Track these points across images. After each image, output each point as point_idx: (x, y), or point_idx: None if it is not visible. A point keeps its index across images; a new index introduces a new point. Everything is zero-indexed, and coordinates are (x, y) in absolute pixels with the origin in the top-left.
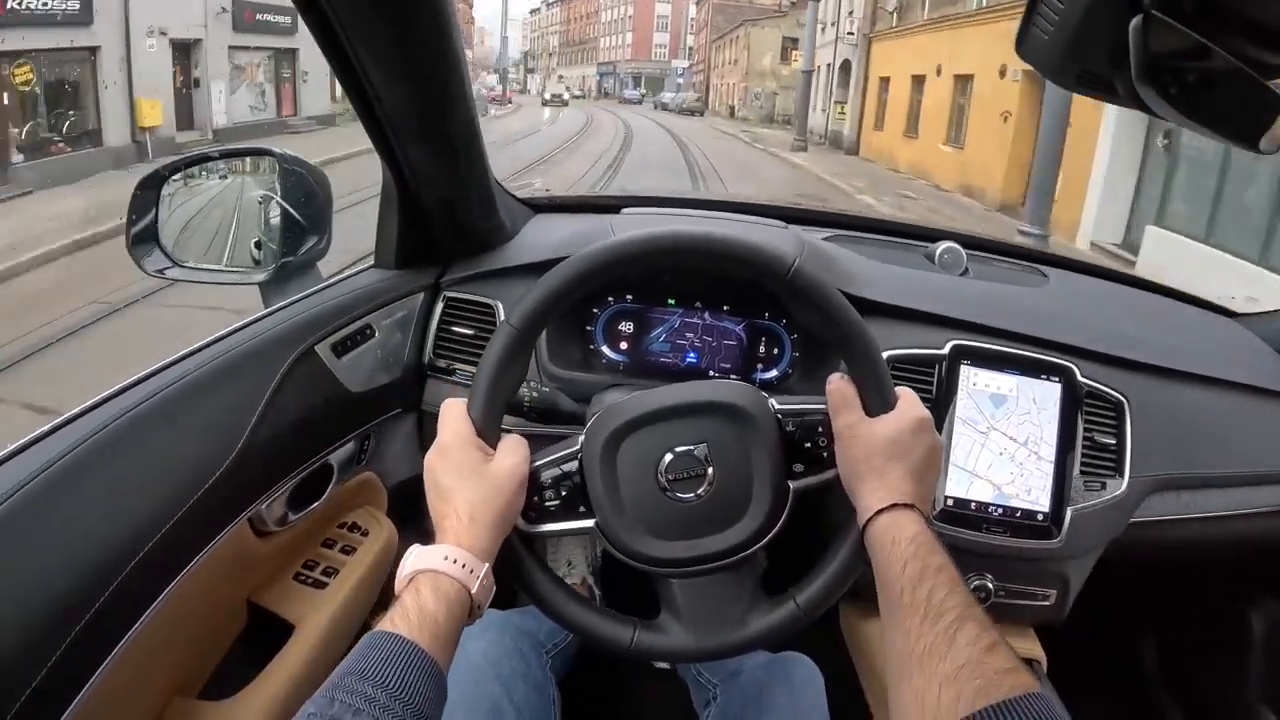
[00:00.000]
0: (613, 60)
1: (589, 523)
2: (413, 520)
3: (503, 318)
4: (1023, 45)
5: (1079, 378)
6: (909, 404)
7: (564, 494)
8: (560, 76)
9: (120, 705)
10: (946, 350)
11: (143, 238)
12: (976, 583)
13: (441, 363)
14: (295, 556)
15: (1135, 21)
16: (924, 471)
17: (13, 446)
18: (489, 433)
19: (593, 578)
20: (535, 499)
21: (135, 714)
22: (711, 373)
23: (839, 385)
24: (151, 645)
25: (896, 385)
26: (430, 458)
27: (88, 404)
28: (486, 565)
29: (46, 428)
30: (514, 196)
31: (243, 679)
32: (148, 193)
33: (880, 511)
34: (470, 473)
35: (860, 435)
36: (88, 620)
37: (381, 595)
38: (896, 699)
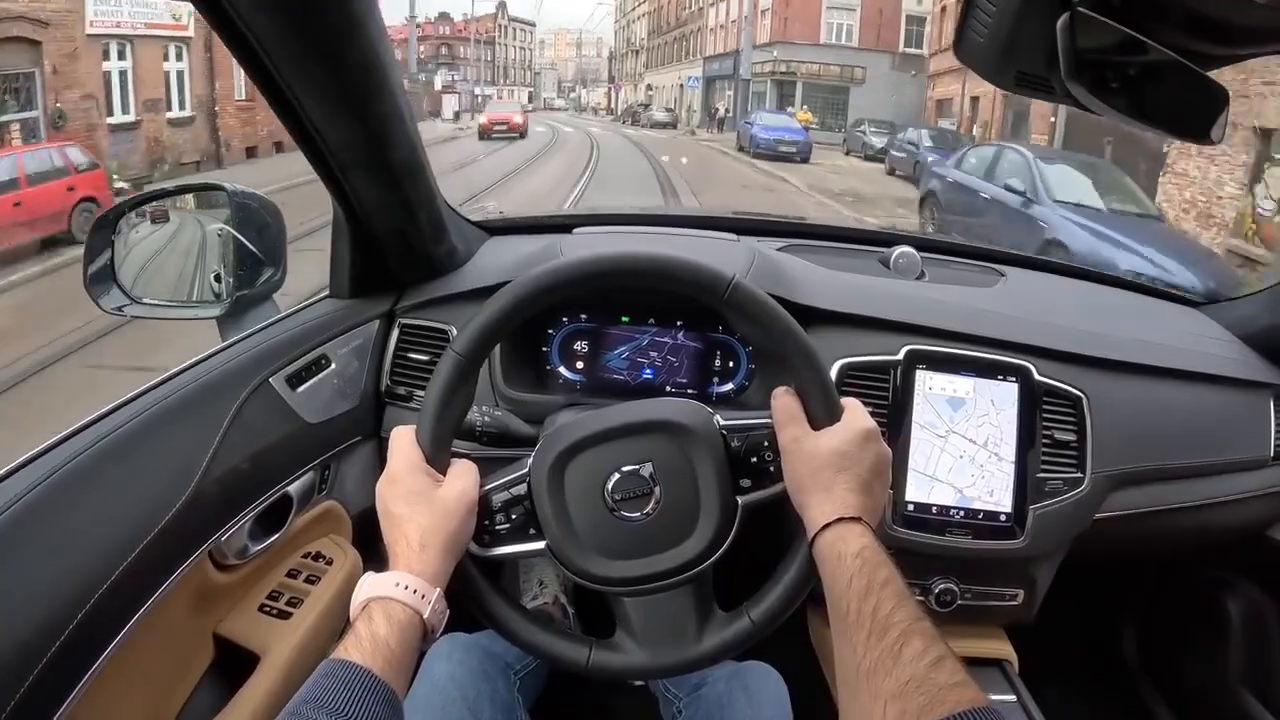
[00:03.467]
0: (725, 52)
1: (540, 544)
2: (378, 547)
3: None
4: (960, 47)
5: (1036, 376)
6: (855, 415)
7: (514, 517)
8: (649, 87)
9: None
10: (901, 356)
11: (100, 278)
12: (942, 586)
13: (401, 390)
14: (260, 587)
15: (1062, 19)
16: (871, 482)
17: None
18: (438, 458)
19: (565, 596)
20: (486, 523)
21: None
22: (668, 388)
23: (783, 400)
24: (117, 682)
25: (844, 396)
26: (381, 485)
27: (45, 445)
28: (438, 590)
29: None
30: (467, 220)
31: (211, 711)
32: (102, 232)
33: (826, 526)
34: (420, 499)
35: (805, 449)
36: (50, 658)
37: (347, 623)
38: (844, 717)
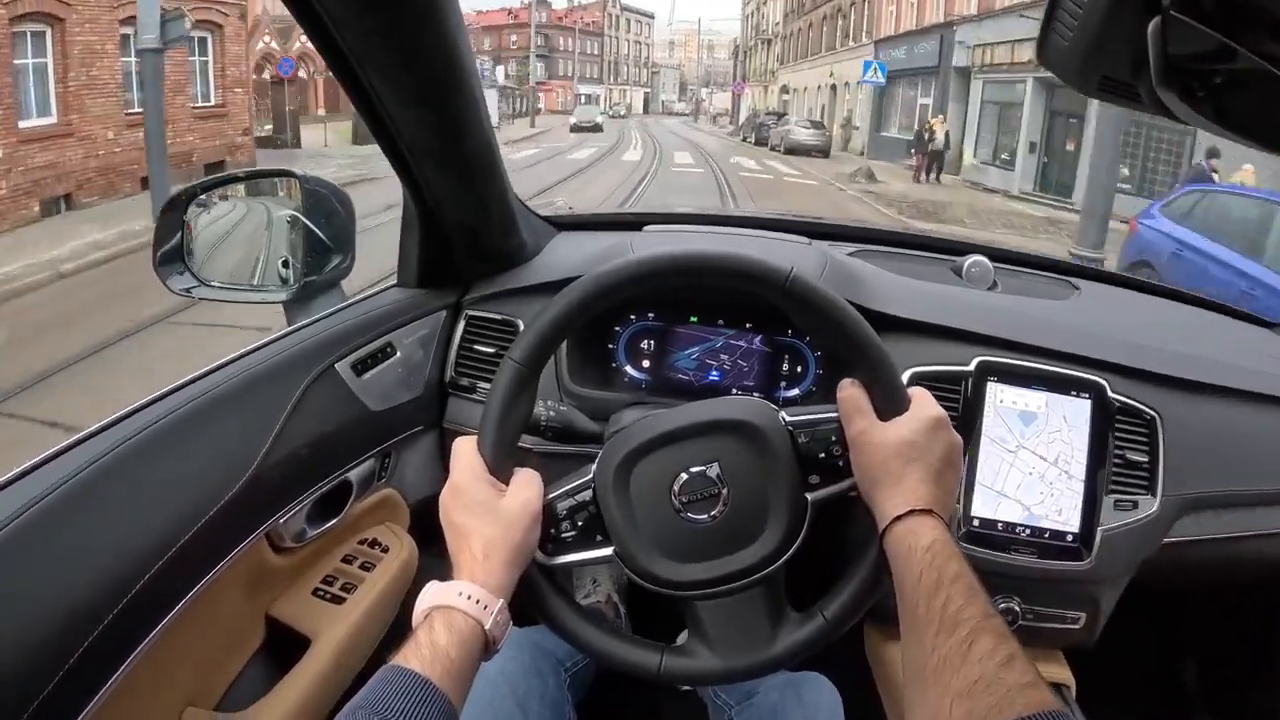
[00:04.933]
0: (923, 28)
1: (607, 551)
2: (434, 537)
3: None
4: (1043, 51)
5: (1110, 394)
6: (923, 404)
7: (580, 524)
8: (784, 89)
9: (133, 713)
10: (973, 367)
11: (169, 259)
12: (1004, 605)
13: (464, 381)
14: (314, 571)
15: (1154, 23)
16: (942, 472)
17: (35, 460)
18: (501, 467)
19: (617, 595)
20: (552, 531)
21: None
22: (734, 391)
23: (849, 391)
24: (167, 656)
25: (910, 388)
26: (444, 496)
27: (111, 418)
28: (501, 601)
29: (69, 441)
30: (536, 214)
31: (259, 691)
32: (173, 215)
33: (897, 518)
34: (483, 510)
35: (874, 440)
36: (102, 629)
37: (400, 611)
38: (910, 715)
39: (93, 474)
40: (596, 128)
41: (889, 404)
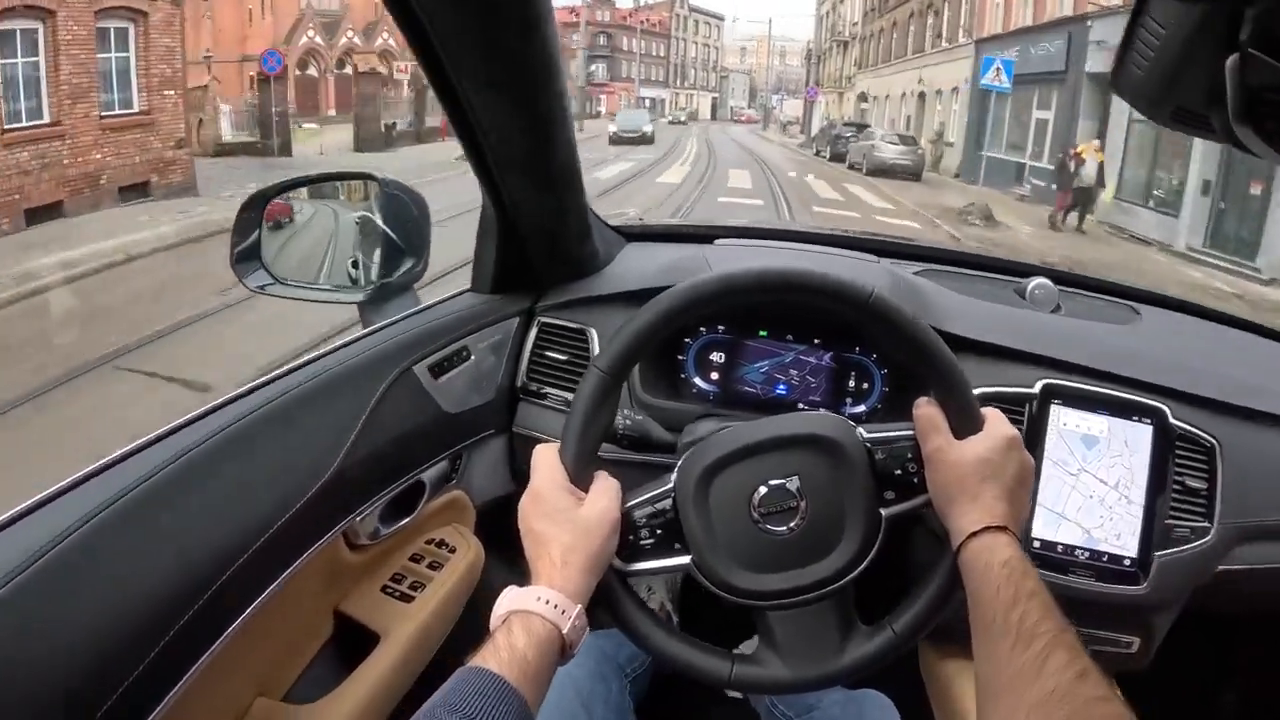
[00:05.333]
0: (1039, 25)
1: (684, 559)
2: (500, 539)
3: (595, 350)
4: (1118, 80)
5: (1171, 420)
6: (997, 423)
7: (659, 532)
8: (862, 96)
9: (207, 703)
10: (1037, 389)
11: (245, 256)
12: None
13: (534, 386)
14: (384, 569)
15: (1232, 60)
16: (1016, 490)
17: (121, 452)
18: (581, 475)
19: (670, 603)
20: (630, 538)
21: (220, 713)
22: (800, 405)
23: (926, 409)
24: (241, 647)
25: (984, 408)
26: (524, 503)
27: (196, 413)
28: (579, 606)
29: (156, 434)
30: (607, 224)
31: (326, 685)
32: (251, 213)
33: (974, 535)
34: (562, 518)
35: (950, 458)
36: (187, 620)
37: (466, 611)
38: None
39: (182, 466)
40: (643, 139)
41: (964, 423)
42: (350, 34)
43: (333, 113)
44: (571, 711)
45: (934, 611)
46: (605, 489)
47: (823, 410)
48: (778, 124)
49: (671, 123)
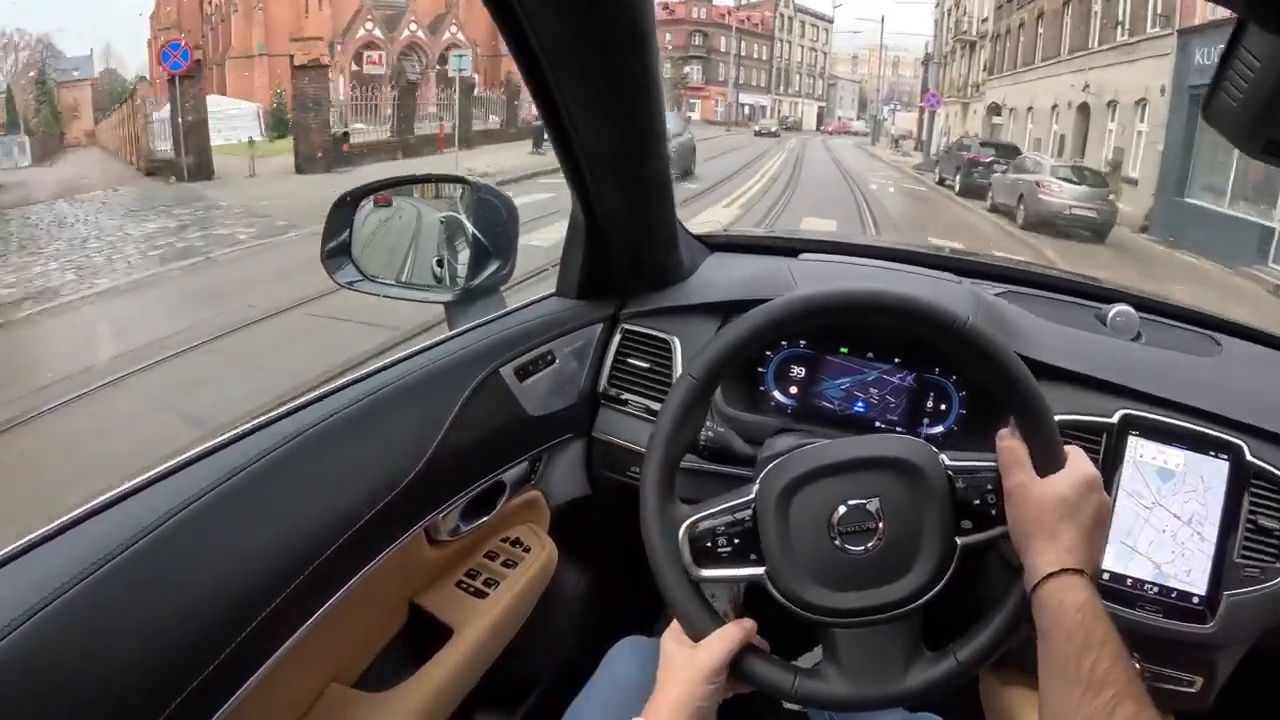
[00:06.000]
0: None
1: (758, 570)
2: (573, 541)
3: (678, 359)
4: (1210, 109)
5: (1248, 456)
6: (1079, 462)
7: (736, 541)
8: (994, 108)
9: (284, 685)
10: (1116, 420)
11: (336, 252)
12: None
13: (614, 392)
14: (459, 565)
15: None
16: (1094, 531)
17: (214, 443)
18: (667, 485)
19: (732, 612)
20: (708, 545)
21: (296, 695)
22: (878, 424)
23: (1010, 443)
24: (319, 633)
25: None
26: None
27: (288, 407)
28: None
29: (248, 426)
30: (691, 234)
31: (396, 674)
32: (343, 211)
33: (1050, 575)
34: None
35: (1032, 495)
36: (272, 609)
37: (536, 609)
38: None
39: (275, 460)
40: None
41: (1047, 459)
42: (413, 27)
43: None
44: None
45: (999, 643)
46: (716, 637)
47: (900, 431)
48: (888, 138)
49: (758, 134)
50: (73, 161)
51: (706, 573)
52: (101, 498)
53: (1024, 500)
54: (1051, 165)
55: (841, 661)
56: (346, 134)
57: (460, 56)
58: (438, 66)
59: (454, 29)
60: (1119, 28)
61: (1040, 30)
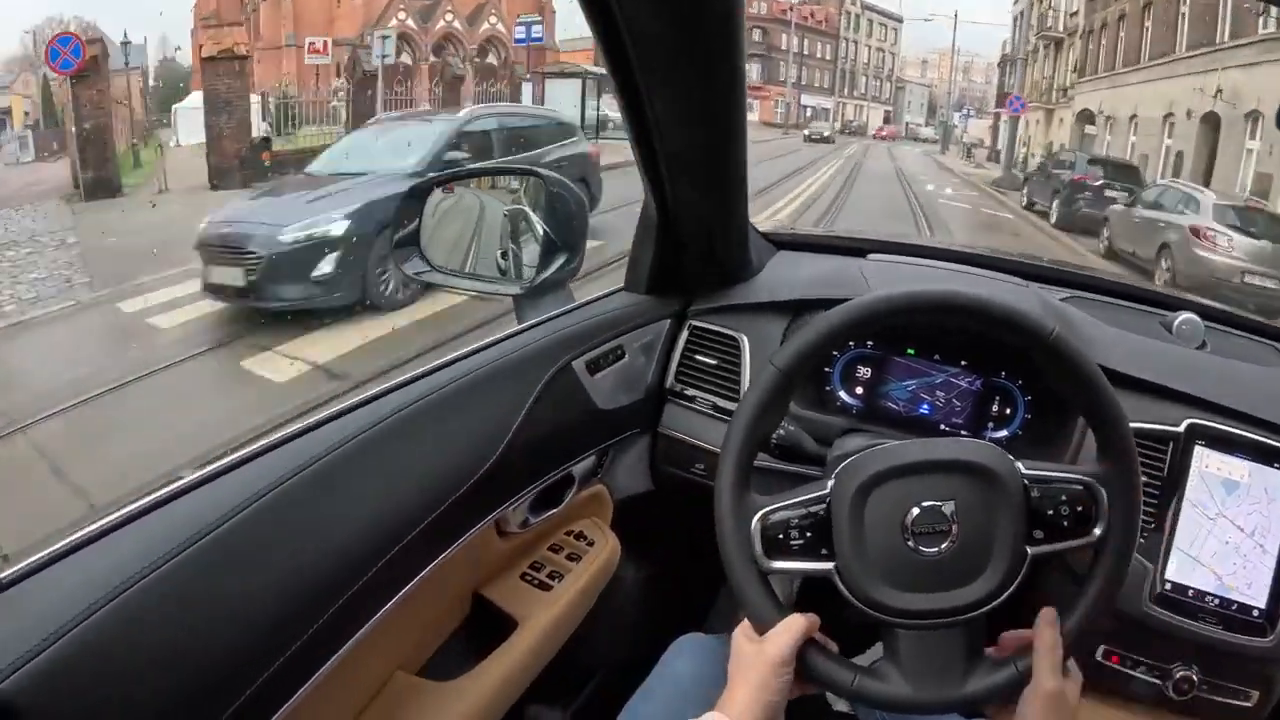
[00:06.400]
0: None
1: (827, 565)
2: (636, 535)
3: (747, 357)
4: None
5: None
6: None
7: (809, 535)
8: (1087, 114)
9: (352, 671)
10: (1182, 429)
11: (405, 242)
12: (1182, 673)
13: (680, 388)
14: (524, 557)
15: None
16: None
17: (291, 430)
18: (743, 476)
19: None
20: (780, 537)
21: (364, 682)
22: (943, 426)
23: (1047, 632)
24: (386, 622)
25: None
26: (744, 632)
27: (363, 397)
28: None
29: (325, 415)
30: (759, 232)
31: (460, 663)
32: (414, 201)
33: None
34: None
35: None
36: (346, 598)
37: (598, 602)
38: None
39: (351, 450)
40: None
41: (1119, 468)
42: (449, 18)
43: (426, 107)
44: (693, 714)
45: (1078, 635)
46: (780, 629)
47: (964, 434)
48: (959, 146)
49: (809, 138)
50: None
51: (777, 564)
52: (177, 484)
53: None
54: (1215, 203)
55: (902, 662)
56: (267, 140)
57: (385, 38)
58: (476, 60)
59: (494, 19)
60: (1265, 16)
61: (1147, 23)
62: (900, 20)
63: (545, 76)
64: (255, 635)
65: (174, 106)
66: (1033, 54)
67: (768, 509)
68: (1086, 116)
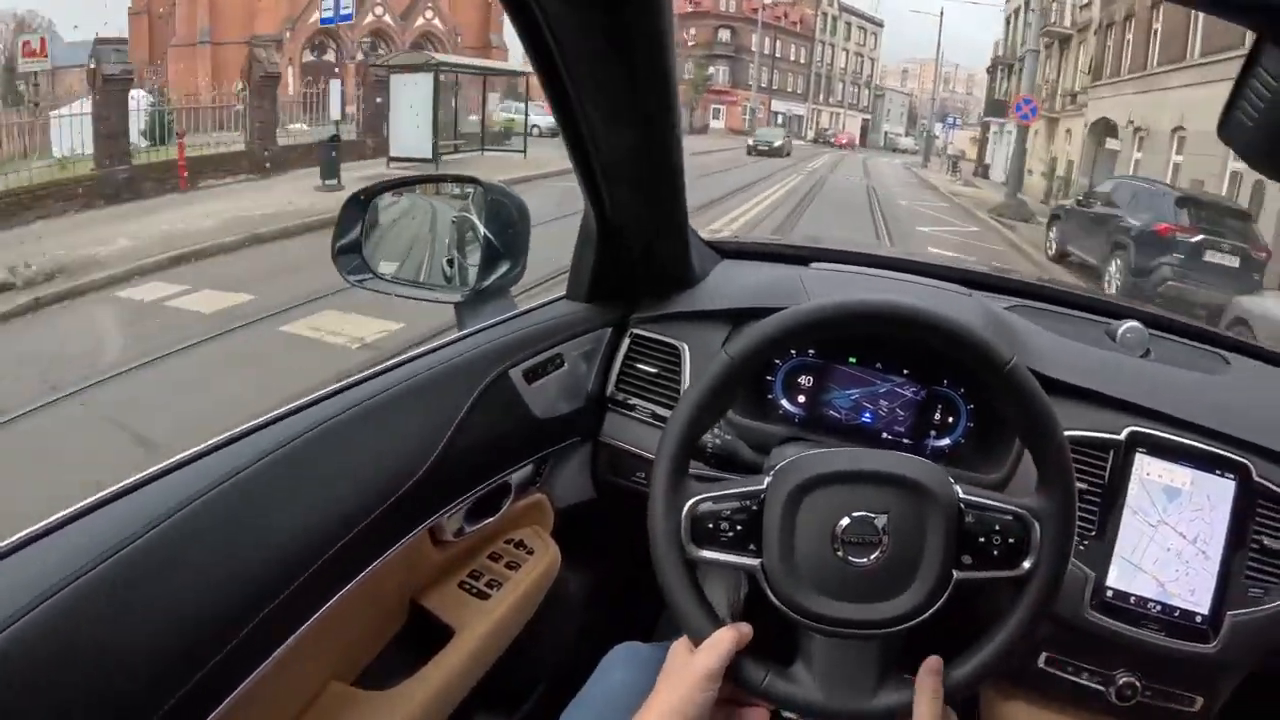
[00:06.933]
0: None
1: (753, 562)
2: (576, 544)
3: (687, 366)
4: (1225, 129)
5: (1255, 477)
6: None
7: (739, 528)
8: (1104, 125)
9: (283, 683)
10: (1123, 436)
11: (346, 250)
12: (1125, 679)
13: (622, 396)
14: (463, 565)
15: None
16: None
17: (219, 439)
18: (681, 462)
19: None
20: (710, 526)
21: (296, 692)
22: (884, 435)
23: (931, 689)
24: (319, 632)
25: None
26: (679, 648)
27: (296, 404)
28: None
29: (255, 423)
30: (702, 240)
31: (397, 674)
32: (356, 208)
33: None
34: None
35: None
36: (273, 607)
37: (538, 611)
38: None
39: (281, 457)
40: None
41: (1056, 500)
42: (379, 11)
43: (352, 110)
44: None
45: (971, 685)
46: (708, 644)
47: (906, 443)
48: (943, 159)
49: (754, 150)
50: None
51: (703, 553)
52: (103, 493)
53: None
54: None
55: (814, 667)
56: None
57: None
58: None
59: (429, 14)
60: None
61: (1192, 14)
62: (880, 24)
63: (391, 71)
64: (180, 645)
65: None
66: (1031, 54)
67: (701, 496)
68: (1105, 128)
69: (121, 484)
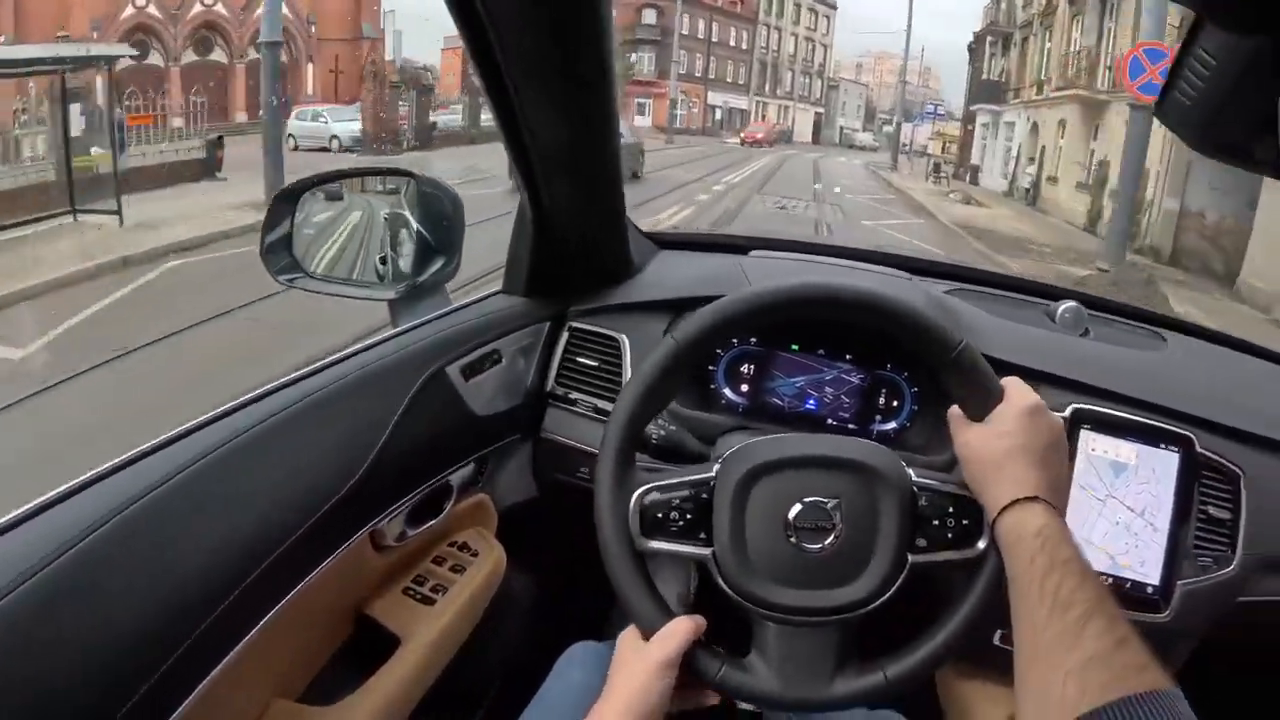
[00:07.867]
0: None
1: (704, 551)
2: (521, 544)
3: (628, 358)
4: (1163, 108)
5: (1198, 448)
6: (1017, 392)
7: (689, 517)
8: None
9: (225, 704)
10: (1067, 414)
11: (275, 248)
12: None
13: (562, 391)
14: (406, 571)
15: None
16: (1047, 457)
17: (143, 448)
18: (628, 450)
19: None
20: (659, 516)
21: (237, 714)
22: (830, 421)
23: (952, 410)
24: (261, 647)
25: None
26: (627, 637)
27: (221, 409)
28: None
29: (181, 429)
30: (641, 231)
31: (344, 687)
32: (284, 205)
33: (1005, 508)
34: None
35: (974, 442)
36: (209, 622)
37: (486, 614)
38: (1020, 690)
39: (208, 465)
40: None
41: (981, 399)
42: (208, 1)
43: (179, 123)
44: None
45: (929, 667)
46: (664, 634)
47: (852, 428)
48: (919, 160)
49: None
50: None
51: (653, 544)
52: (12, 514)
53: (972, 456)
54: None
55: (769, 657)
56: None
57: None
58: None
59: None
60: None
61: None
62: (834, 6)
63: None
64: (111, 665)
65: None
66: (1044, 16)
67: (649, 486)
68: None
69: (34, 502)
